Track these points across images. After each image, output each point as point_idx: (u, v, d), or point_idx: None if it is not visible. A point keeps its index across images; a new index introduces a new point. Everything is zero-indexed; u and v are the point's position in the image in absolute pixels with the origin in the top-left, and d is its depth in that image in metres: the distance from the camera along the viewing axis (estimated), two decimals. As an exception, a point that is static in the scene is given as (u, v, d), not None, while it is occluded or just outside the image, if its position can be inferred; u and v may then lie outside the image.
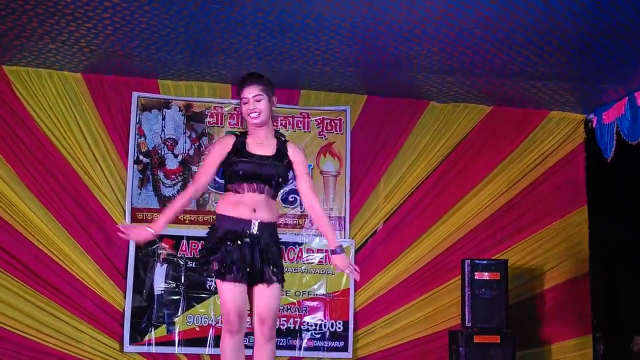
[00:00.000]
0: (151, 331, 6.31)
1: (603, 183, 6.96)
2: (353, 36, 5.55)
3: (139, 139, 6.50)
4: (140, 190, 6.46)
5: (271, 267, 3.94)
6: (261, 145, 4.01)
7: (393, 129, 6.91)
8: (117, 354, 6.25)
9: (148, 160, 6.52)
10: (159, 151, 6.55)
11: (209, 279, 3.94)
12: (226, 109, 6.64)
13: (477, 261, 6.29)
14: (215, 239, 3.94)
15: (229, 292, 3.87)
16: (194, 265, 6.37)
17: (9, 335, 6.05)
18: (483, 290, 6.20)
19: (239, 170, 3.94)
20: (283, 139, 4.13)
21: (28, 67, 6.26)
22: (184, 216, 6.46)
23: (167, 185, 6.52)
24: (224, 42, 5.73)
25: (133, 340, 6.27)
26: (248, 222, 3.92)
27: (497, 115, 7.06)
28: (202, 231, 6.22)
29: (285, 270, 6.45)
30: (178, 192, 6.48)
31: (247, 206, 3.94)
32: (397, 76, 6.40)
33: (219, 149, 4.03)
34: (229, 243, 3.89)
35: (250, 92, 3.98)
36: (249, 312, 3.98)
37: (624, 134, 6.51)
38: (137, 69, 6.34)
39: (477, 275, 6.20)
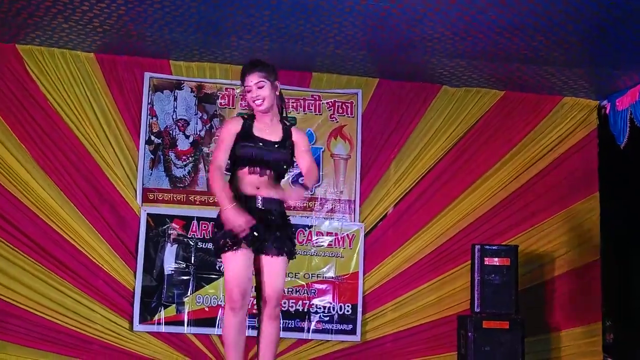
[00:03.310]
0: (161, 311, 6.35)
1: (615, 170, 6.93)
2: (366, 19, 5.53)
3: (150, 120, 6.52)
4: (152, 170, 6.48)
5: (276, 242, 3.99)
6: (267, 130, 4.07)
7: (405, 112, 6.89)
8: (127, 333, 6.29)
9: (159, 141, 6.53)
10: (171, 132, 6.57)
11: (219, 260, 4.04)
12: (238, 91, 6.64)
13: (487, 246, 6.26)
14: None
15: (234, 266, 3.93)
16: (204, 246, 6.42)
17: (20, 312, 6.10)
18: (493, 275, 6.17)
19: (245, 154, 4.01)
20: (288, 124, 4.20)
21: (41, 46, 6.28)
22: (194, 197, 6.50)
23: (178, 166, 6.54)
24: (236, 24, 5.72)
25: (143, 320, 6.31)
26: (253, 198, 3.99)
27: (509, 100, 7.03)
28: (212, 212, 6.32)
29: (295, 252, 6.51)
30: (189, 172, 6.52)
31: (251, 185, 4.01)
32: (410, 60, 6.37)
33: (230, 130, 4.08)
34: None
35: (252, 80, 4.05)
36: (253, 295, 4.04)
37: (638, 121, 6.48)
38: (149, 49, 6.34)
39: (487, 261, 6.17)
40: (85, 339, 6.23)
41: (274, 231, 4.00)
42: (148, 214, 6.40)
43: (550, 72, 6.49)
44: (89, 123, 6.37)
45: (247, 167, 4.01)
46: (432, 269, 6.79)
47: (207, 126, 6.61)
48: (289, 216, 4.16)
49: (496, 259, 6.20)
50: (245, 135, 4.04)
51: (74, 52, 6.37)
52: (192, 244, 6.44)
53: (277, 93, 4.13)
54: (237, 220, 3.82)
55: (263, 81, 4.04)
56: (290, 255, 4.09)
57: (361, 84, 6.83)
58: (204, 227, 6.44)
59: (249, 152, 4.00)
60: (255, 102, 4.04)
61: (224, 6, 5.39)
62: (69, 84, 6.36)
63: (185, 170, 6.55)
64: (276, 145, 4.07)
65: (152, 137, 6.52)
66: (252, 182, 4.01)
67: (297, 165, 4.23)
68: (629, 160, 6.71)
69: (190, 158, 6.57)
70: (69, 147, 6.34)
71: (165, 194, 6.48)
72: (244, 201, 3.96)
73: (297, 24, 5.66)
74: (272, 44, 6.09)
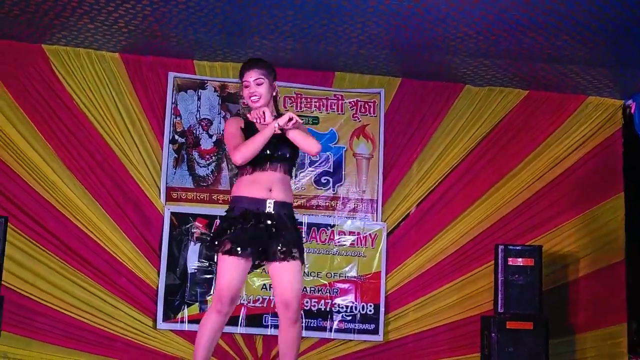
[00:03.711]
0: (184, 309, 6.38)
1: (641, 170, 6.88)
2: (389, 18, 5.53)
3: (174, 119, 6.57)
4: (175, 169, 6.53)
5: (286, 246, 3.94)
6: (267, 126, 4.02)
7: (427, 112, 6.88)
8: (150, 331, 6.34)
9: (183, 140, 6.57)
10: (194, 131, 6.61)
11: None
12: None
13: (510, 247, 6.23)
14: (230, 219, 3.98)
15: (229, 271, 3.91)
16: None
17: (45, 310, 6.16)
18: (516, 276, 6.13)
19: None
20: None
21: (67, 47, 6.34)
22: (217, 196, 6.53)
23: (201, 165, 6.58)
24: (260, 23, 5.74)
25: (166, 318, 6.35)
26: (263, 202, 3.96)
27: (533, 99, 6.99)
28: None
29: (317, 252, 6.52)
30: (212, 172, 6.55)
31: (263, 185, 3.98)
32: (433, 59, 6.36)
33: (236, 126, 4.09)
34: (242, 222, 3.93)
35: (252, 76, 4.08)
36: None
37: (663, 121, 6.43)
38: (173, 49, 6.38)
39: (510, 261, 6.14)
40: (109, 337, 6.27)
41: (282, 236, 3.95)
42: (172, 212, 6.45)
43: (574, 72, 6.45)
44: (113, 122, 6.43)
45: (258, 166, 3.99)
46: (455, 269, 6.76)
47: (230, 126, 6.64)
48: (300, 222, 4.13)
49: (520, 260, 6.17)
50: (251, 133, 4.03)
51: (99, 53, 6.43)
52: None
53: (274, 93, 4.14)
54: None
55: (262, 78, 4.07)
56: (301, 258, 4.02)
57: (384, 83, 6.83)
58: (227, 226, 6.47)
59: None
60: (252, 98, 4.07)
61: (247, 6, 5.41)
62: (94, 84, 6.42)
63: (208, 169, 6.58)
64: (280, 137, 4.03)
65: (176, 137, 6.56)
66: (265, 182, 3.98)
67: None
68: (654, 160, 6.66)
69: (213, 157, 6.61)
70: (94, 146, 6.40)
71: (189, 193, 6.52)
72: (254, 205, 3.95)
73: (320, 23, 5.67)
74: (295, 44, 6.11)
